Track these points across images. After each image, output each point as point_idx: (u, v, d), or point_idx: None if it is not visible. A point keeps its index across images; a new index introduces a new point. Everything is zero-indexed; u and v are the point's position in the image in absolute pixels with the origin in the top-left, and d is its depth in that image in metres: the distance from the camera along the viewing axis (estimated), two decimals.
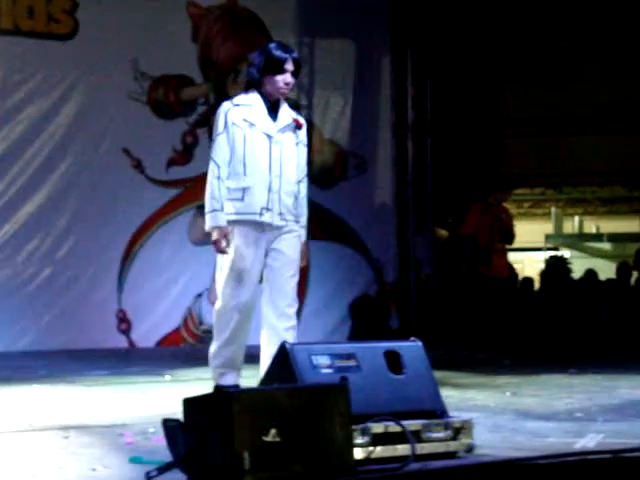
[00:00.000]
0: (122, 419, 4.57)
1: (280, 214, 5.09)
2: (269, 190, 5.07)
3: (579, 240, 18.62)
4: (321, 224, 9.60)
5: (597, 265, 13.63)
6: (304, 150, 5.27)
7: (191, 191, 9.26)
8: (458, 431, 3.76)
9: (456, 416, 3.86)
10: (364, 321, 9.79)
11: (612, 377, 6.80)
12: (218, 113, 5.14)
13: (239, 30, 9.56)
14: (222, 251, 5.02)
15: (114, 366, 7.46)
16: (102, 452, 3.70)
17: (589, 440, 4.01)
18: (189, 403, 3.18)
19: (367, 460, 3.43)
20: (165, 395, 5.61)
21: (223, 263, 5.12)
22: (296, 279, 5.15)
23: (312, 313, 9.42)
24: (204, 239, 9.51)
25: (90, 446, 3.84)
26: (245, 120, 5.09)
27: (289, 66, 5.11)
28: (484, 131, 10.96)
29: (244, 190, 5.05)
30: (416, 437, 3.61)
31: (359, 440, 3.47)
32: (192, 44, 9.51)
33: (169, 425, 3.19)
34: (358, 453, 3.38)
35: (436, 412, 3.81)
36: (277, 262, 5.09)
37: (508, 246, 9.85)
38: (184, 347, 9.28)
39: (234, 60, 9.46)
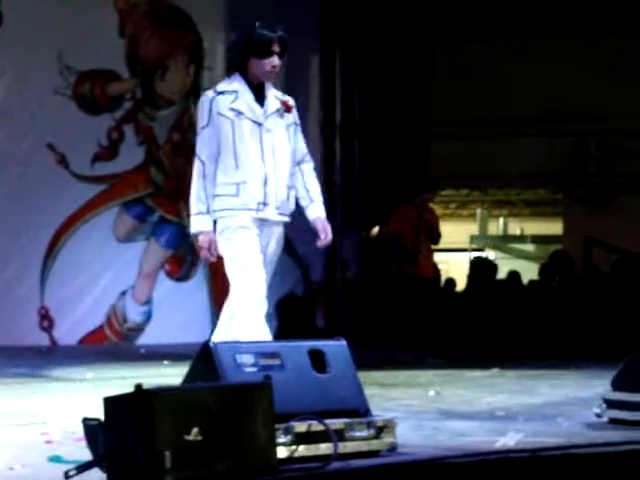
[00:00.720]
0: (42, 418, 4.50)
1: (277, 208, 4.78)
2: (265, 183, 4.72)
3: (503, 241, 18.85)
4: None
5: (521, 266, 13.82)
6: (298, 130, 4.91)
7: (116, 187, 9.17)
8: (381, 430, 3.77)
9: (379, 415, 3.88)
10: (290, 320, 9.79)
11: (533, 377, 6.90)
12: (201, 104, 4.77)
13: (167, 26, 9.50)
14: (206, 258, 4.74)
15: (35, 364, 7.35)
16: (21, 451, 3.63)
17: (509, 439, 4.06)
18: (110, 402, 3.14)
19: (290, 459, 3.42)
20: (86, 393, 5.54)
21: (229, 252, 4.76)
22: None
23: None
24: (129, 236, 9.45)
25: (9, 445, 3.77)
26: (232, 109, 4.71)
27: (276, 47, 4.77)
28: (411, 132, 11.03)
29: (238, 185, 4.69)
30: (339, 436, 3.62)
31: (282, 439, 3.47)
32: (119, 39, 9.42)
33: (89, 424, 3.15)
34: (281, 452, 3.38)
35: (359, 411, 3.82)
36: (271, 253, 4.90)
37: (434, 246, 9.94)
38: (107, 345, 9.18)
39: (161, 56, 9.40)
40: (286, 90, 10.58)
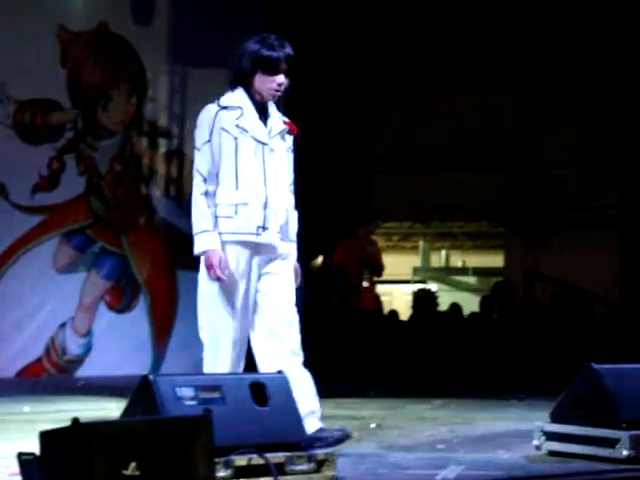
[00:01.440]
0: None
1: (278, 232, 4.50)
2: (265, 206, 4.45)
3: (445, 273, 18.98)
4: (191, 253, 9.51)
5: (462, 298, 13.92)
6: (292, 157, 4.65)
7: (57, 218, 9.06)
8: (322, 463, 3.77)
9: (320, 448, 3.87)
10: None
11: (474, 409, 6.93)
12: (202, 118, 4.47)
13: (109, 56, 9.45)
14: (219, 278, 4.35)
15: None
16: None
17: (450, 472, 4.07)
18: (46, 436, 3.09)
19: None
20: (23, 427, 5.44)
21: (207, 290, 4.46)
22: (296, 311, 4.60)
23: (180, 344, 9.31)
24: (69, 267, 9.34)
25: None
26: (237, 126, 4.44)
27: (284, 65, 4.49)
28: (354, 166, 11.09)
29: (237, 206, 4.40)
30: (279, 469, 3.60)
31: (222, 473, 3.45)
32: (61, 68, 9.35)
33: (24, 459, 3.09)
34: None
35: (300, 444, 3.81)
36: (275, 286, 4.52)
37: (377, 278, 9.97)
38: (46, 378, 9.04)
39: (103, 86, 9.35)
40: None
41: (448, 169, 12.75)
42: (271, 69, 4.46)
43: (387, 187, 12.28)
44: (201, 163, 4.43)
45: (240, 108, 4.47)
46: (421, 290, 12.96)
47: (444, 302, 12.89)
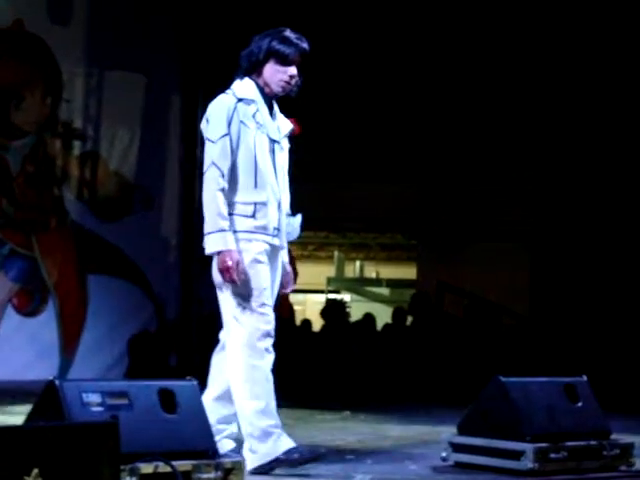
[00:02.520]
0: None
1: (286, 235, 4.41)
2: (279, 207, 4.32)
3: (359, 284, 19.08)
4: (102, 258, 9.41)
5: (375, 309, 13.99)
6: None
7: None
8: (229, 472, 3.75)
9: (227, 456, 3.84)
10: (142, 358, 9.63)
11: (384, 420, 6.97)
12: (219, 109, 4.24)
13: (24, 55, 9.28)
14: (233, 280, 4.15)
15: None
16: None
17: None
18: None
19: None
20: None
21: (235, 288, 4.20)
22: None
23: (89, 349, 9.19)
24: None
25: None
26: (254, 119, 4.26)
27: (297, 57, 4.32)
28: None
29: (256, 205, 4.22)
30: (186, 477, 3.58)
31: None
32: None
33: None
34: None
35: (208, 452, 3.79)
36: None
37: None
38: None
39: (17, 85, 9.17)
40: (145, 124, 10.49)
41: (364, 181, 12.82)
42: (283, 60, 4.30)
43: (303, 196, 12.26)
44: (220, 157, 4.18)
45: (254, 102, 4.30)
46: (332, 300, 13.00)
47: (357, 313, 12.94)
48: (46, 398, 3.59)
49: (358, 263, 19.17)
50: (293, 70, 4.31)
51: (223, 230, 4.16)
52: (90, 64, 9.51)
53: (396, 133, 12.77)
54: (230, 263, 4.15)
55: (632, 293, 9.91)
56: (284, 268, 4.50)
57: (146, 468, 3.50)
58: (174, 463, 3.53)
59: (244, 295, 4.24)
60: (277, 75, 4.32)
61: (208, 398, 4.38)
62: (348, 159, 12.69)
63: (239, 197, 4.23)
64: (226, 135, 4.21)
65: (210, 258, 4.34)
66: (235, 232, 4.22)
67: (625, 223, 10.05)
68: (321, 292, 17.74)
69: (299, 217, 4.55)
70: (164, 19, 9.89)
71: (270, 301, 4.29)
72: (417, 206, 13.34)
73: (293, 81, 4.33)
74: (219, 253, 4.18)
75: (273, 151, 4.33)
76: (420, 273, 14.09)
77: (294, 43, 4.32)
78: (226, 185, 4.19)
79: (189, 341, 10.17)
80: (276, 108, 4.43)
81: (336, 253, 18.34)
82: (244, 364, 4.24)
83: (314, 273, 16.55)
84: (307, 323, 12.30)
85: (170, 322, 10.14)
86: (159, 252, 10.16)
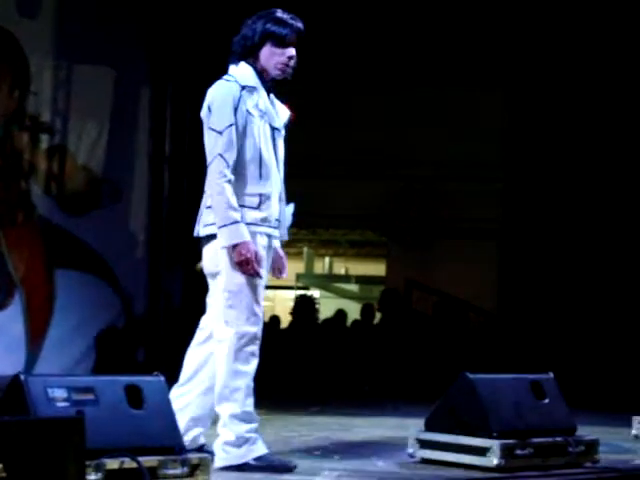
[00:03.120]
0: None
1: (283, 227, 4.35)
2: (280, 198, 4.26)
3: (328, 281, 19.08)
4: (69, 252, 9.35)
5: (344, 305, 14.00)
6: None
7: None
8: (195, 468, 3.74)
9: (194, 453, 3.83)
10: (110, 353, 9.58)
11: (352, 416, 6.98)
12: (223, 97, 4.07)
13: None
14: (254, 271, 4.04)
15: None
16: None
17: (323, 478, 4.08)
18: None
19: None
20: None
21: (229, 281, 4.12)
22: None
23: (56, 344, 9.13)
24: None
25: None
26: (257, 107, 4.12)
27: (293, 38, 4.17)
28: None
29: (261, 197, 4.14)
30: (152, 473, 3.56)
31: (92, 476, 3.39)
32: None
33: None
34: None
35: (174, 448, 3.78)
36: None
37: None
38: None
39: None
40: (114, 118, 10.42)
41: (334, 177, 12.82)
42: (281, 42, 4.15)
43: None
44: (226, 148, 4.07)
45: (256, 89, 4.17)
46: (301, 296, 12.99)
47: (326, 309, 12.95)
48: (11, 393, 3.56)
49: (327, 259, 19.17)
50: (291, 51, 4.18)
51: (236, 222, 4.06)
52: (58, 57, 9.45)
53: (364, 129, 12.78)
54: (249, 255, 4.06)
55: (598, 290, 9.99)
56: (277, 253, 4.43)
57: (112, 464, 3.48)
58: (140, 459, 3.52)
59: (237, 291, 4.16)
60: (274, 58, 4.18)
61: (195, 393, 4.31)
62: (317, 155, 12.69)
63: (245, 189, 4.14)
64: (232, 125, 4.08)
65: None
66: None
67: (592, 220, 10.13)
68: (290, 288, 17.73)
69: (292, 206, 4.49)
70: (133, 12, 9.84)
71: (262, 300, 4.25)
72: (386, 203, 13.36)
73: (291, 62, 4.20)
74: (235, 246, 4.08)
75: (274, 139, 4.24)
76: (389, 270, 14.11)
77: (289, 23, 4.19)
78: (232, 177, 4.10)
79: (157, 336, 10.13)
80: (272, 95, 4.31)
81: (305, 249, 18.33)
82: (228, 368, 4.19)
83: None
84: (276, 319, 12.29)
85: (138, 317, 10.10)
86: (127, 246, 10.11)
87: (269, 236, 4.27)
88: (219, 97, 4.14)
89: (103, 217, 9.79)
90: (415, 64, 12.43)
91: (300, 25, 4.23)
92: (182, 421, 4.26)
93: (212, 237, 4.24)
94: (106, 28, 9.59)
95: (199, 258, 11.38)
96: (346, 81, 12.38)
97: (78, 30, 9.42)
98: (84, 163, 9.70)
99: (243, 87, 4.14)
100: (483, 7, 11.41)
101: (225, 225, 4.08)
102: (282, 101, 4.43)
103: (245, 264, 4.08)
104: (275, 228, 4.27)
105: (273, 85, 4.30)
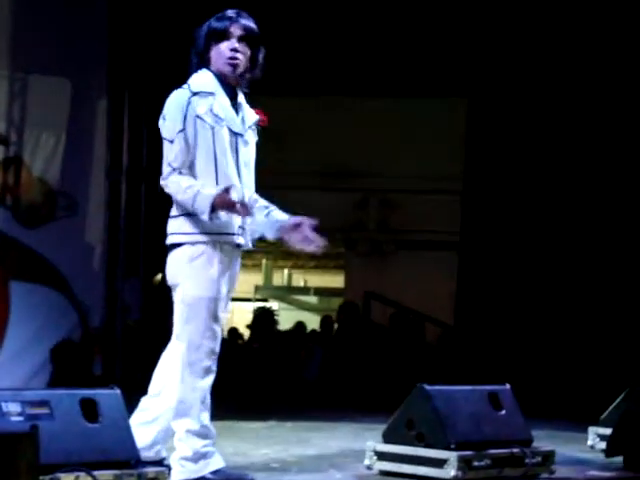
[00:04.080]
0: None
1: (250, 234, 4.22)
2: (242, 204, 4.07)
3: (287, 292, 19.08)
4: (24, 264, 9.26)
5: (303, 317, 14.01)
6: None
7: None
8: None
9: (150, 466, 3.80)
10: (66, 367, 9.49)
11: (309, 428, 6.96)
12: (173, 105, 4.05)
13: None
14: (243, 207, 3.93)
15: None
16: None
17: None
18: None
19: None
20: None
21: (186, 294, 4.05)
22: None
23: (11, 357, 9.04)
24: None
25: None
26: (212, 112, 4.05)
27: (237, 30, 4.08)
28: None
29: None
30: None
31: None
32: None
33: None
34: None
35: (130, 462, 3.75)
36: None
37: None
38: None
39: None
40: (70, 130, 10.33)
41: (292, 188, 12.83)
42: (221, 36, 4.09)
43: None
44: (174, 156, 4.03)
45: (213, 94, 4.10)
46: (261, 308, 12.97)
47: (285, 321, 12.93)
48: None
49: (286, 271, 19.17)
50: (233, 43, 4.09)
51: (198, 192, 3.99)
52: (14, 68, 9.37)
53: (321, 141, 12.80)
54: (227, 198, 3.97)
55: (554, 301, 10.06)
56: (285, 225, 4.32)
57: (67, 478, 3.45)
58: (95, 473, 3.49)
59: (194, 304, 4.09)
60: (221, 55, 4.11)
61: (165, 405, 4.23)
62: (277, 167, 12.69)
63: None
64: (181, 131, 4.04)
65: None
66: (196, 233, 4.07)
67: (550, 232, 10.20)
68: (249, 300, 17.69)
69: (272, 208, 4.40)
70: (89, 23, 9.79)
71: (223, 314, 4.17)
72: (345, 215, 13.39)
73: (238, 55, 4.11)
74: (213, 208, 3.98)
75: (236, 144, 4.15)
76: (348, 282, 14.14)
77: (229, 16, 4.13)
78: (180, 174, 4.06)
79: (114, 349, 10.05)
80: (241, 99, 4.24)
81: (264, 261, 18.31)
82: (183, 383, 4.14)
83: (242, 281, 16.35)
84: (234, 332, 12.26)
85: (95, 330, 10.02)
86: (83, 259, 10.03)
87: (233, 244, 4.15)
88: (170, 106, 4.11)
89: (59, 229, 9.72)
90: (373, 75, 12.48)
91: (245, 21, 4.15)
92: (151, 434, 4.23)
93: (174, 247, 4.18)
94: (62, 39, 9.54)
95: (157, 270, 11.36)
96: (301, 91, 12.39)
97: (34, 41, 9.35)
98: (40, 175, 9.63)
99: (195, 93, 4.09)
100: (442, 20, 11.48)
101: (193, 203, 4.00)
102: (252, 107, 4.39)
103: (230, 207, 3.98)
104: (239, 235, 4.15)
105: (246, 86, 4.26)
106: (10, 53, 9.36)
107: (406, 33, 11.92)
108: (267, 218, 4.33)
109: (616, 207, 9.96)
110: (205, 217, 3.99)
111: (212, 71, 4.17)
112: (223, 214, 4.05)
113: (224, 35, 4.10)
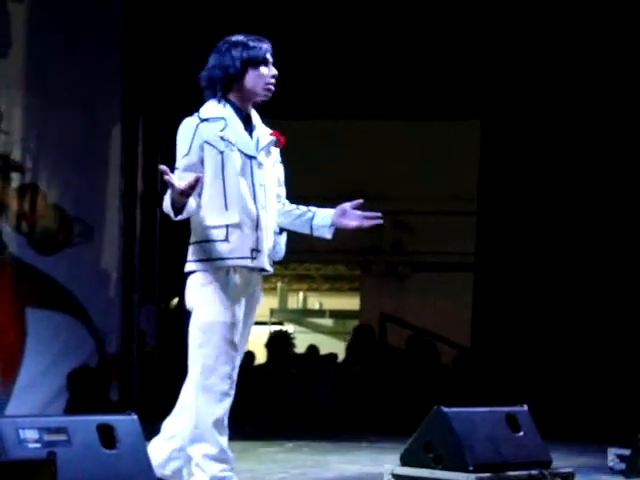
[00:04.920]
0: None
1: (268, 256, 4.17)
2: (257, 226, 4.10)
3: (303, 315, 19.05)
4: (40, 291, 9.28)
5: (319, 340, 13.99)
6: (282, 168, 4.38)
7: None
8: None
9: None
10: (83, 393, 9.50)
11: (327, 452, 6.93)
12: (182, 133, 4.13)
13: None
14: (179, 183, 3.92)
15: None
16: None
17: None
18: None
19: None
20: None
21: (199, 319, 4.07)
22: None
23: (28, 384, 9.03)
24: None
25: None
26: (222, 138, 4.10)
27: (271, 56, 4.24)
28: None
29: (228, 228, 4.05)
30: None
31: None
32: None
33: None
34: None
35: None
36: (249, 323, 4.22)
37: None
38: None
39: None
40: (85, 157, 10.38)
41: None
42: (263, 62, 4.19)
43: None
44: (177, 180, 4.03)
45: (223, 119, 4.14)
46: (277, 331, 12.95)
47: (300, 345, 12.91)
48: None
49: (301, 294, 19.14)
50: (274, 70, 4.24)
51: (166, 198, 4.10)
52: (29, 95, 9.43)
53: (336, 163, 12.82)
54: (169, 185, 3.99)
55: (572, 322, 10.01)
56: (332, 215, 4.44)
57: None
58: None
59: (208, 329, 4.08)
60: (262, 80, 4.19)
61: (183, 424, 4.20)
62: (291, 190, 12.72)
63: (210, 221, 4.08)
64: (185, 156, 4.11)
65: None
66: (207, 261, 4.08)
67: (568, 254, 10.16)
68: (264, 324, 17.68)
69: (284, 235, 4.35)
70: (104, 50, 9.85)
71: (238, 338, 4.14)
72: (360, 237, 13.38)
73: (274, 80, 4.24)
74: (173, 203, 4.04)
75: (250, 167, 4.15)
76: (363, 304, 14.11)
77: (261, 43, 4.24)
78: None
79: (131, 375, 10.06)
80: (256, 121, 4.28)
81: (279, 284, 18.30)
82: (198, 408, 4.11)
83: None
84: (250, 355, 12.24)
85: (111, 355, 10.03)
86: (99, 285, 10.05)
87: (247, 267, 4.12)
88: (179, 134, 4.19)
89: (75, 255, 9.74)
90: (388, 98, 12.51)
91: (269, 44, 4.29)
92: (165, 451, 4.22)
93: (189, 273, 4.20)
94: (77, 65, 9.59)
95: (173, 295, 11.39)
96: (315, 113, 12.42)
97: (49, 68, 9.42)
98: (55, 201, 9.67)
99: (203, 120, 4.14)
100: (457, 42, 11.50)
101: (165, 210, 4.11)
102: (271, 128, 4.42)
103: (172, 188, 3.99)
104: (253, 259, 4.11)
105: (258, 108, 4.30)
106: (25, 80, 9.42)
107: (421, 55, 11.95)
108: (315, 220, 4.47)
109: (634, 227, 9.93)
110: (172, 215, 4.07)
111: (226, 98, 4.19)
112: (234, 238, 4.06)
113: (265, 61, 4.21)
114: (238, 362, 4.27)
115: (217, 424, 4.13)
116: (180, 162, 4.13)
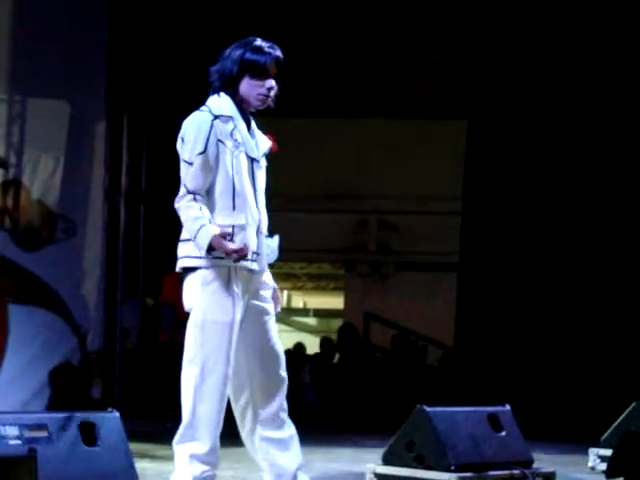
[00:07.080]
0: None
1: (264, 259, 4.13)
2: (258, 229, 4.07)
3: (287, 314, 19.04)
4: (23, 287, 9.25)
5: (302, 339, 13.98)
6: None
7: None
8: None
9: None
10: (65, 390, 9.46)
11: (309, 451, 6.91)
12: (195, 126, 4.01)
13: None
14: (239, 250, 3.88)
15: None
16: None
17: None
18: None
19: None
20: None
21: (200, 318, 4.01)
22: None
23: (9, 381, 9.01)
24: None
25: None
26: (232, 137, 4.03)
27: (273, 68, 4.09)
28: None
29: (234, 228, 3.99)
30: None
31: None
32: None
33: None
34: None
35: None
36: (264, 322, 4.10)
37: None
38: None
39: None
40: (69, 153, 10.36)
41: (291, 210, 12.85)
42: (259, 73, 4.07)
43: None
44: (191, 178, 3.97)
45: (232, 118, 4.07)
46: None
47: (284, 343, 12.89)
48: None
49: (285, 293, 19.13)
50: (271, 82, 4.10)
51: (203, 225, 3.95)
52: (13, 91, 9.40)
53: (320, 163, 12.82)
54: (223, 243, 3.92)
55: (555, 323, 10.04)
56: (268, 286, 4.25)
57: None
58: None
59: (207, 328, 4.02)
60: (255, 89, 4.09)
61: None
62: (277, 189, 12.71)
63: (217, 220, 4.00)
64: (202, 153, 4.00)
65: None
66: (210, 258, 4.00)
67: (551, 254, 10.19)
68: None
69: (276, 238, 4.27)
70: (88, 46, 9.82)
71: (235, 338, 4.05)
72: (344, 236, 13.39)
73: (272, 93, 4.11)
74: (211, 247, 3.95)
75: (252, 170, 4.12)
76: (347, 303, 14.12)
77: (267, 52, 4.11)
78: (196, 202, 4.01)
79: (113, 372, 10.03)
80: (254, 124, 4.21)
81: None
82: (191, 408, 4.04)
83: None
84: None
85: (93, 353, 10.00)
86: (82, 282, 10.03)
87: (248, 269, 4.08)
88: (190, 128, 4.06)
89: (58, 252, 9.71)
90: (373, 97, 12.52)
91: (279, 53, 4.16)
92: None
93: (187, 271, 4.12)
94: (61, 62, 9.56)
95: (157, 293, 11.29)
96: (300, 112, 12.41)
97: (33, 64, 9.38)
98: (39, 197, 9.64)
99: (216, 117, 4.05)
100: (443, 42, 11.52)
101: (195, 232, 3.96)
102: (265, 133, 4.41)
103: (233, 253, 3.93)
104: (253, 261, 4.07)
105: (255, 115, 4.25)
106: (9, 76, 9.39)
107: (408, 55, 11.96)
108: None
109: (618, 228, 9.96)
110: (202, 253, 3.98)
111: (232, 96, 4.14)
112: (239, 239, 4.02)
113: (262, 72, 4.10)
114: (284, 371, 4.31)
115: (211, 424, 4.08)
116: (196, 159, 4.01)
